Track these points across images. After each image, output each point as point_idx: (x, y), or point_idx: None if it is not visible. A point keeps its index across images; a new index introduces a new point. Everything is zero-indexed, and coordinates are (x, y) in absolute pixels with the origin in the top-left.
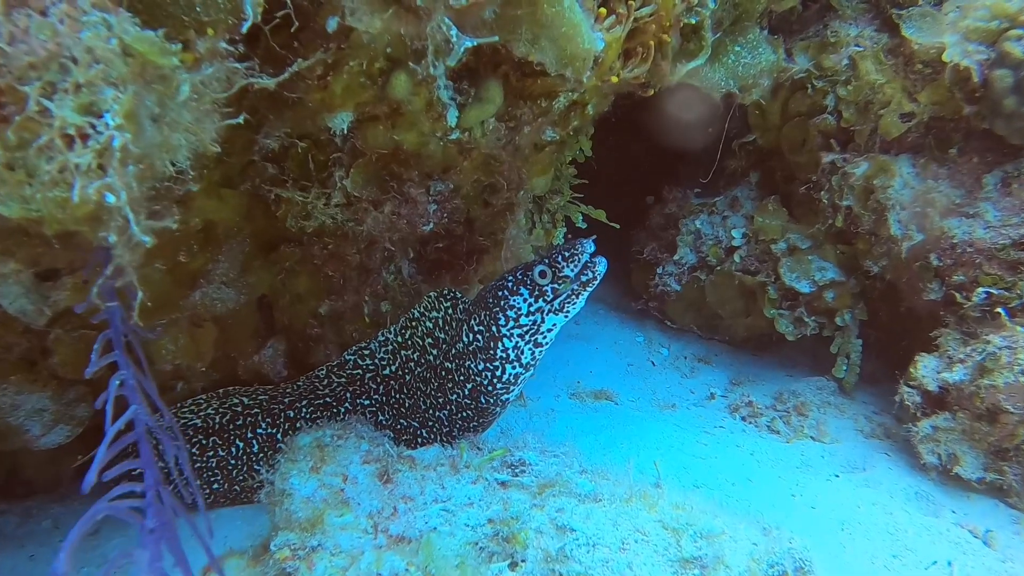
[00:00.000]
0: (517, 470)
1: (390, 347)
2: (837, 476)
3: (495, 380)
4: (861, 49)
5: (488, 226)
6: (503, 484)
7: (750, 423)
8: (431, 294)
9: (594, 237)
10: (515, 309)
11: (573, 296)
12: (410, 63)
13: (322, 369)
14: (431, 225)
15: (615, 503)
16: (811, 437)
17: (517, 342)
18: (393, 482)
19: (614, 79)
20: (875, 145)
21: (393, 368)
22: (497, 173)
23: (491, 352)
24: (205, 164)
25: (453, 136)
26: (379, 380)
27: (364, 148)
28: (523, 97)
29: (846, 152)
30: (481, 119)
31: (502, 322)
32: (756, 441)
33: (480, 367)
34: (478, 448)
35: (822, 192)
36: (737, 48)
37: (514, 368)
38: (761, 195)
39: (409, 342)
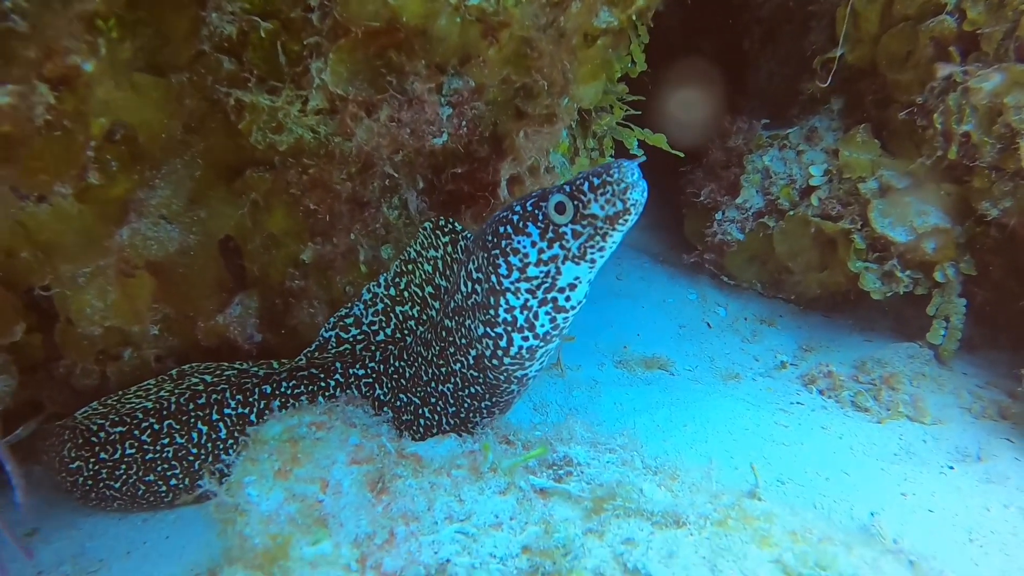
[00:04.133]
0: (562, 472)
1: (379, 306)
2: (951, 468)
3: (499, 352)
4: None
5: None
6: (543, 492)
7: (830, 398)
8: (426, 225)
9: (641, 158)
10: (520, 254)
11: (598, 237)
12: None
13: (301, 358)
14: (444, 137)
15: (706, 528)
16: (908, 416)
17: (527, 300)
18: (389, 492)
19: None
20: (1009, 52)
21: (388, 331)
22: (534, 69)
23: (491, 313)
24: (98, 29)
25: (474, 1)
26: (373, 347)
27: (346, 21)
28: None
29: (968, 63)
30: None
31: (504, 271)
32: (843, 421)
33: (480, 331)
34: (508, 442)
35: (935, 115)
36: None
37: (525, 339)
38: (846, 125)
39: (405, 294)
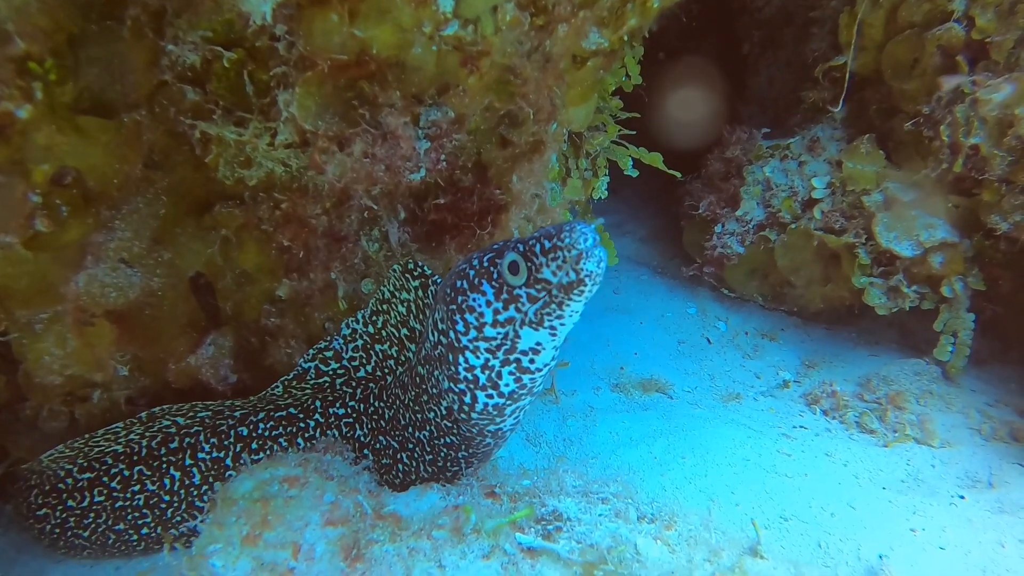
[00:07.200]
0: (551, 527)
1: (360, 342)
2: (962, 497)
3: (465, 407)
4: None
5: (508, 174)
6: (530, 552)
7: (834, 419)
8: (395, 267)
9: (599, 221)
10: (476, 313)
11: (554, 305)
12: None
13: (277, 386)
14: (422, 172)
15: None
16: (915, 439)
17: (487, 359)
18: (365, 559)
19: None
20: (1020, 61)
21: (369, 368)
22: (519, 96)
23: (453, 369)
24: (32, 73)
25: (449, 31)
26: (354, 383)
27: (311, 54)
28: None
29: (976, 73)
30: (493, 3)
31: (461, 328)
32: (848, 446)
33: (446, 385)
34: (494, 495)
35: (942, 127)
36: None
37: (490, 397)
38: (849, 135)
39: (383, 333)
